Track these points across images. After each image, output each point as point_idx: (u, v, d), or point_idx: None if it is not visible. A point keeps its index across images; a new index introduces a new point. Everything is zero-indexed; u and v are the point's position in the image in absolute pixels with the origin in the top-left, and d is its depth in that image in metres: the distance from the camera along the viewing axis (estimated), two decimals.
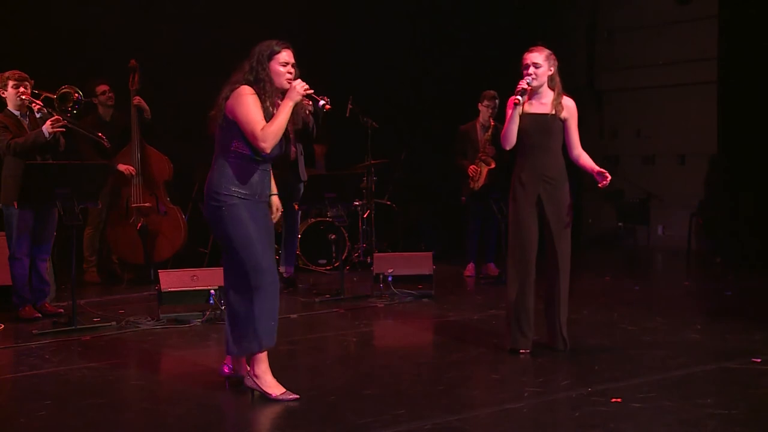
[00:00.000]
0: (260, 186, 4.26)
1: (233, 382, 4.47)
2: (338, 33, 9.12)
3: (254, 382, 4.29)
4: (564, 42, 10.80)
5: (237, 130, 4.16)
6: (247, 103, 4.13)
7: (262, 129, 4.10)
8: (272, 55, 4.22)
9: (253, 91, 4.17)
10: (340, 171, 8.42)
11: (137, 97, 7.84)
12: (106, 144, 7.39)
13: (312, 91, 4.23)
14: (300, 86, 4.18)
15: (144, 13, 8.96)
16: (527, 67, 5.03)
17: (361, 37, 9.80)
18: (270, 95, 4.20)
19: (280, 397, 4.23)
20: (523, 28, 9.97)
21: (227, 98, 4.18)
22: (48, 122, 6.20)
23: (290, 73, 4.25)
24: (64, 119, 6.33)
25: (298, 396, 4.23)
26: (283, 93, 4.22)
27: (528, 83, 4.98)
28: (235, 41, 8.98)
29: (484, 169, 8.16)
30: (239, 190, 4.18)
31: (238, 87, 4.17)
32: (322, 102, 4.27)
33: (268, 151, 4.15)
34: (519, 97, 4.97)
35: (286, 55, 4.24)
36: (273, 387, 4.26)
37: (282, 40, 4.28)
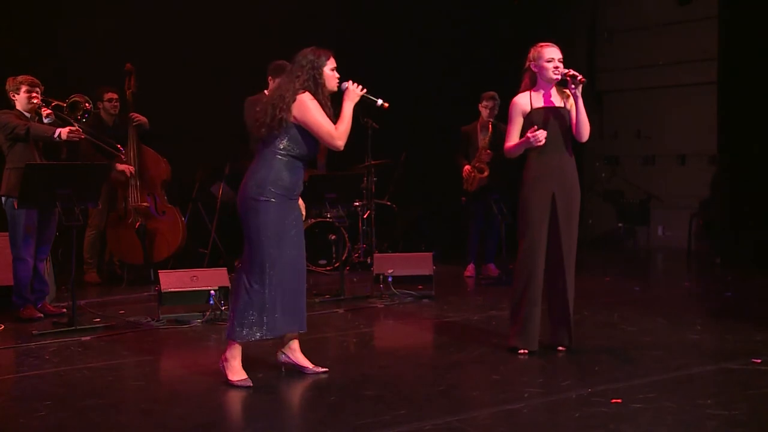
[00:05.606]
0: (298, 183, 4.55)
1: (289, 368, 4.64)
2: (337, 34, 9.10)
3: (222, 364, 4.51)
4: (564, 42, 10.76)
5: (294, 131, 4.43)
6: (315, 108, 4.45)
7: (336, 129, 4.46)
8: (326, 61, 4.51)
9: (312, 97, 4.46)
10: (340, 171, 8.42)
11: (133, 114, 7.87)
12: (122, 156, 7.60)
13: (366, 91, 4.58)
14: (356, 88, 4.56)
15: (142, 15, 8.96)
16: (551, 60, 4.97)
17: (361, 38, 9.79)
18: (326, 98, 4.52)
19: (237, 383, 4.42)
20: (523, 29, 9.96)
21: (288, 105, 4.41)
22: (67, 129, 6.22)
23: (338, 76, 4.54)
24: (84, 133, 6.37)
25: (251, 384, 4.39)
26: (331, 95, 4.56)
27: (580, 80, 4.94)
28: (233, 42, 9.10)
29: (476, 177, 8.18)
30: (281, 186, 4.44)
31: (300, 94, 4.44)
32: (380, 101, 4.65)
33: (342, 148, 4.51)
34: (579, 75, 4.89)
35: (333, 60, 4.55)
36: (234, 372, 4.47)
37: (323, 47, 4.57)
